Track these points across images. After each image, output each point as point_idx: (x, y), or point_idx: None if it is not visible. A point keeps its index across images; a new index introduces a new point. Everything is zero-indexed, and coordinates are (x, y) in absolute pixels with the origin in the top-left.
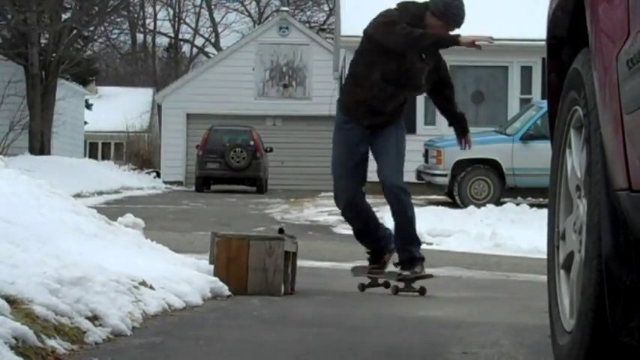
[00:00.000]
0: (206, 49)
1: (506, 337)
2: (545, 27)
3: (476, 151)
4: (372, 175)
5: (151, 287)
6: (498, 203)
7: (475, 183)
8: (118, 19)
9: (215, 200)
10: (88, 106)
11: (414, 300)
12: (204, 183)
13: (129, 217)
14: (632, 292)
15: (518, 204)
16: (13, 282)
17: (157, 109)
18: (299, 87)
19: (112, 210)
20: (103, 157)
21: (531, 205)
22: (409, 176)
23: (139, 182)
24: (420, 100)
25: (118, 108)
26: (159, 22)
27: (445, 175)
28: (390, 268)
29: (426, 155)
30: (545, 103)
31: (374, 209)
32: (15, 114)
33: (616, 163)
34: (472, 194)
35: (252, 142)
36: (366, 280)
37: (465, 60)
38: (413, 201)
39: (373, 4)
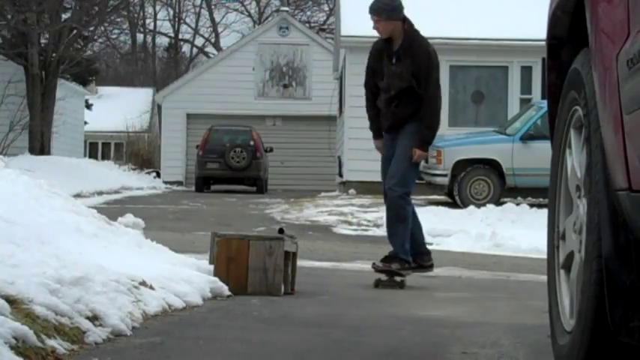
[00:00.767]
0: (206, 49)
1: (506, 337)
2: (546, 27)
3: (476, 151)
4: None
5: (151, 287)
6: (498, 203)
7: (475, 183)
8: (118, 19)
9: (215, 200)
10: (88, 106)
11: (413, 300)
12: (204, 183)
13: (129, 217)
14: (632, 292)
15: (518, 204)
16: (13, 282)
17: (156, 109)
18: (299, 87)
19: (112, 210)
20: (103, 157)
21: (531, 205)
22: None
23: (139, 182)
24: None
25: (118, 108)
26: (159, 22)
27: (445, 175)
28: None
29: None
30: (545, 103)
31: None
32: (15, 114)
33: (616, 163)
34: (472, 194)
35: (252, 142)
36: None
37: (465, 60)
38: (413, 201)
39: None
